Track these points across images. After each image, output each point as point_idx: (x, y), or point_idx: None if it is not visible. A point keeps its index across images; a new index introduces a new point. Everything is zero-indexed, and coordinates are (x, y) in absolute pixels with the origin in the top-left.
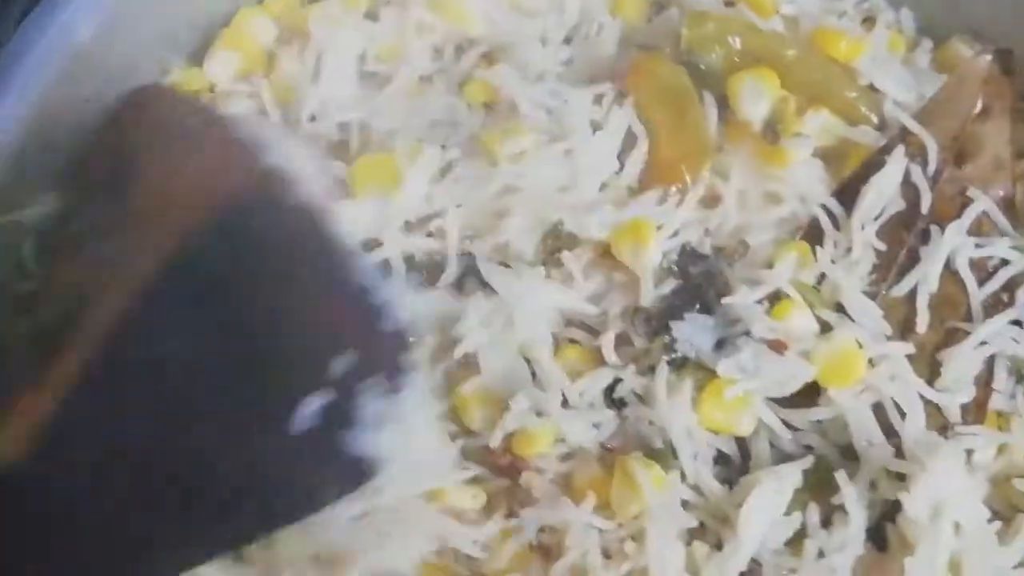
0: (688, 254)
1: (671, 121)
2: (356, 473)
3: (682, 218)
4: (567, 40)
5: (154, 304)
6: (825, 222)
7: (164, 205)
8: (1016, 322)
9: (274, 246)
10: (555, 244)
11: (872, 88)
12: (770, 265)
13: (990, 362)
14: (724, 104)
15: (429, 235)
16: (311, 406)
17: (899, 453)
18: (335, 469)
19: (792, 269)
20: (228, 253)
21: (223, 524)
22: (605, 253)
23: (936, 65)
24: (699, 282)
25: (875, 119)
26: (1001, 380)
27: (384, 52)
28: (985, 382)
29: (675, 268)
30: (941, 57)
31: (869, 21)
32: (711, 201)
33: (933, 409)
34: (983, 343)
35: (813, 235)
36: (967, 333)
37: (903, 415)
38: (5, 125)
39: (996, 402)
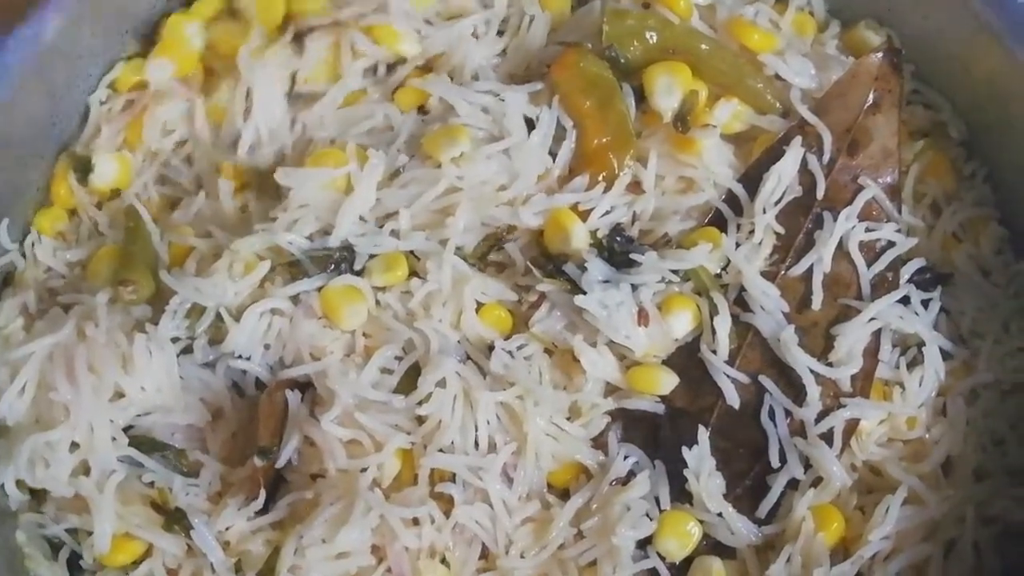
0: (616, 234)
1: (596, 112)
2: None
3: (610, 202)
4: (500, 32)
5: None
6: (727, 211)
7: None
8: (901, 299)
9: None
10: (494, 240)
11: (778, 77)
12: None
13: (877, 335)
14: (642, 94)
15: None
16: None
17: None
18: None
19: (703, 255)
20: None
21: None
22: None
23: (843, 48)
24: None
25: (780, 107)
26: (886, 352)
27: (312, 76)
28: (872, 353)
29: (603, 243)
30: (848, 41)
31: (782, 3)
32: (634, 187)
33: (827, 379)
34: (872, 319)
35: (721, 219)
36: (858, 310)
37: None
38: None
39: (881, 371)
